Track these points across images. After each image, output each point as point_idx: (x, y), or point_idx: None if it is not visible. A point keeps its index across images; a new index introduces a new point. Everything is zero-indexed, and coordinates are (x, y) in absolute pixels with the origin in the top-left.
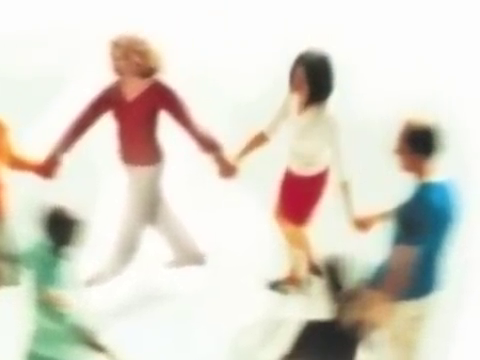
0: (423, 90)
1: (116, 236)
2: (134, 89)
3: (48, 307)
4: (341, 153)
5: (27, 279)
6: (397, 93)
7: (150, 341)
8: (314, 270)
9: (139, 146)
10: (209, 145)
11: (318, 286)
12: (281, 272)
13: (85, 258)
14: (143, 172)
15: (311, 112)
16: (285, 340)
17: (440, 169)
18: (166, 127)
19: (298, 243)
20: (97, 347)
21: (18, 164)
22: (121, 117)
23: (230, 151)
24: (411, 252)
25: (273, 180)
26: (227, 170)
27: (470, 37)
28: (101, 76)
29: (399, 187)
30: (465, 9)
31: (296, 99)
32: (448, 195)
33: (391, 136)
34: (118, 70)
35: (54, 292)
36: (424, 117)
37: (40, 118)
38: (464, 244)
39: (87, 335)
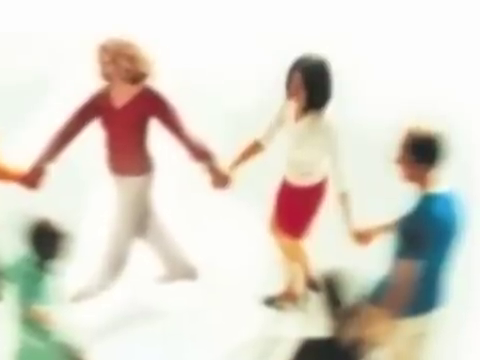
0: (425, 97)
1: (104, 249)
2: (123, 95)
3: (33, 324)
4: (340, 162)
5: (11, 294)
6: (398, 100)
7: None
8: (312, 285)
9: (128, 155)
10: (201, 154)
11: (316, 302)
12: (277, 287)
13: (72, 272)
14: (132, 182)
15: (308, 119)
16: (281, 359)
17: (443, 179)
18: (156, 135)
19: (295, 257)
20: None
21: (1, 174)
22: (109, 125)
23: (224, 160)
24: (413, 266)
25: (269, 191)
26: (220, 180)
27: (472, 44)
28: (88, 82)
29: (400, 198)
30: (465, 16)
31: (293, 106)
32: (452, 206)
33: (392, 145)
34: (106, 75)
35: (39, 308)
36: (426, 125)
37: (25, 125)
38: (468, 258)
39: (73, 353)
